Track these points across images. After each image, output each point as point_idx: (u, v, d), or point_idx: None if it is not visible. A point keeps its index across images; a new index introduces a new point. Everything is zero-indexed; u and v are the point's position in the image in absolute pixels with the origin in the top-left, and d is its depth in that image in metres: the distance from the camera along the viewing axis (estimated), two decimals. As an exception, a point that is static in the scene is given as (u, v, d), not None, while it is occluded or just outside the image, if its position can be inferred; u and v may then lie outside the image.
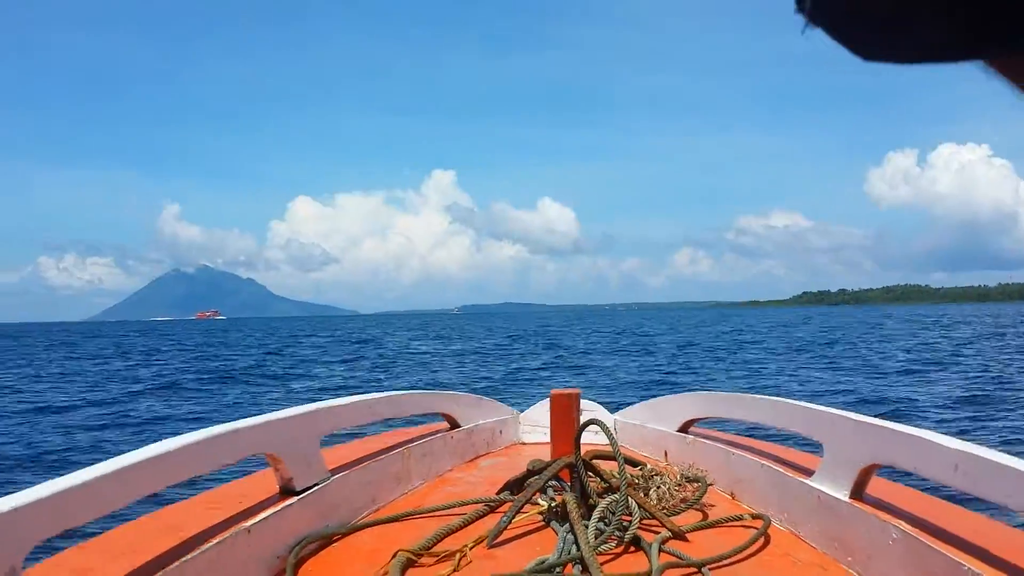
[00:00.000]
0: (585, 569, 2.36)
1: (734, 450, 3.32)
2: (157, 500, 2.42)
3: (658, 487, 3.09)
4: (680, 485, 3.14)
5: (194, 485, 2.48)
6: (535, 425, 4.44)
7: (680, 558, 2.53)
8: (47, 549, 1.83)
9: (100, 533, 2.26)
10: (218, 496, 2.66)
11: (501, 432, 4.33)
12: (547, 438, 3.81)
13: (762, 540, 2.70)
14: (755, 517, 2.89)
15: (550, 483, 3.09)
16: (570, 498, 2.80)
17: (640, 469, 3.26)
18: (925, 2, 0.35)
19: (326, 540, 2.70)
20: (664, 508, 2.96)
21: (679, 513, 2.97)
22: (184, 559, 2.05)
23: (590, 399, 4.52)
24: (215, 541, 2.19)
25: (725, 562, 2.53)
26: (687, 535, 2.76)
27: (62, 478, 1.79)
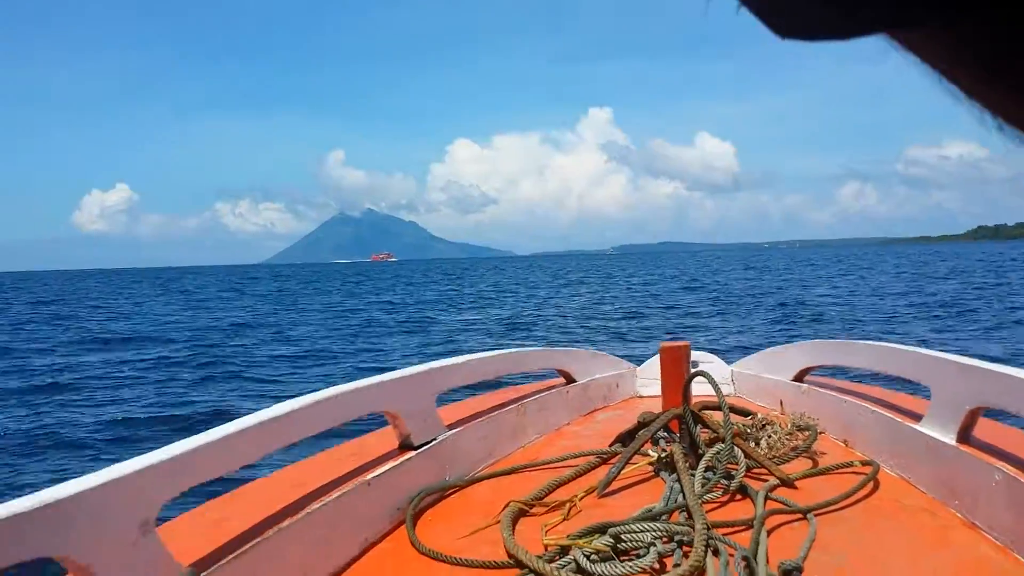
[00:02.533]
0: (690, 516, 2.42)
1: (847, 397, 3.31)
2: (285, 456, 2.62)
3: (769, 436, 3.13)
4: (791, 434, 3.15)
5: (318, 442, 2.71)
6: (653, 378, 4.44)
7: (786, 504, 2.56)
8: (183, 503, 1.98)
9: (233, 488, 2.46)
10: (341, 452, 2.84)
11: (618, 386, 4.41)
12: None
13: (871, 486, 2.70)
14: (865, 463, 2.89)
15: (661, 434, 3.18)
16: (677, 448, 2.89)
17: (751, 418, 3.29)
18: None
19: (443, 492, 2.85)
20: (774, 457, 3.00)
21: (789, 461, 3.00)
22: (309, 511, 2.21)
23: (706, 350, 4.57)
24: (338, 493, 2.35)
25: (832, 508, 2.55)
26: (795, 483, 2.79)
27: (194, 436, 1.94)
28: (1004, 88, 0.37)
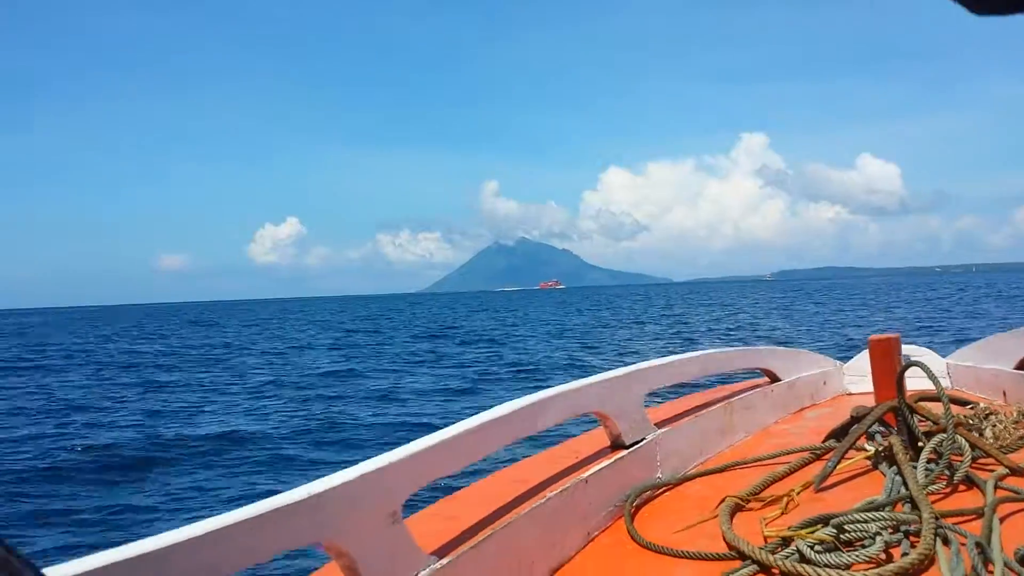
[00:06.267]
0: (915, 507, 2.36)
1: None
2: (505, 457, 2.79)
3: (993, 426, 3.04)
4: (1017, 422, 3.05)
5: (535, 442, 2.79)
6: (861, 375, 4.38)
7: (1017, 493, 2.48)
8: (420, 499, 2.14)
9: (462, 484, 2.66)
10: (557, 451, 2.97)
11: (825, 383, 4.35)
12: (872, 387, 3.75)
13: None
14: None
15: (876, 428, 3.11)
16: (896, 440, 2.84)
17: (972, 408, 3.19)
18: None
19: (657, 489, 2.93)
20: (1000, 446, 2.90)
21: (1017, 450, 2.90)
22: (533, 506, 2.35)
23: (916, 344, 4.42)
24: (558, 490, 2.48)
25: None
26: None
27: (427, 436, 2.11)
28: None
